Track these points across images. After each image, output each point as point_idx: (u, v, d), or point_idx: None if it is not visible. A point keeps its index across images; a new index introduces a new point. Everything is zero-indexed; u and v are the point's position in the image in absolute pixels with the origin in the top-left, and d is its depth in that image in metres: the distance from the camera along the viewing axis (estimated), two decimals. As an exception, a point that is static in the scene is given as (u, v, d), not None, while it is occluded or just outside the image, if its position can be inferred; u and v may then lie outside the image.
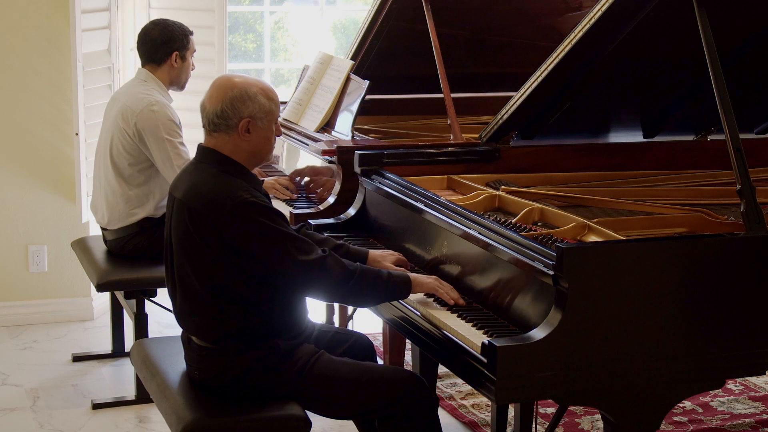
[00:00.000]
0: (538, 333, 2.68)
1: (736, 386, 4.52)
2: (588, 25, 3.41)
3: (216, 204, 2.93)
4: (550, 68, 3.58)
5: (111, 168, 4.36)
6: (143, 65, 4.43)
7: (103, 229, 4.50)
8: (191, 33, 4.46)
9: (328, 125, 4.41)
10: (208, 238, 2.94)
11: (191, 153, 4.43)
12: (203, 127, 3.06)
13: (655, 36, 3.52)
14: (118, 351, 4.84)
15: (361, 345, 3.35)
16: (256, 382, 3.01)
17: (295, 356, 3.04)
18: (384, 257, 3.28)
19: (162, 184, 4.36)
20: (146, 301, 4.33)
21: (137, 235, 4.37)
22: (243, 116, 3.00)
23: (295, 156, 4.55)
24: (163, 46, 4.37)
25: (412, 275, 3.10)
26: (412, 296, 3.13)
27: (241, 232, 2.92)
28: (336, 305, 4.80)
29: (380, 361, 3.91)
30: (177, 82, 4.45)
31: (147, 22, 4.65)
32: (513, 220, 3.30)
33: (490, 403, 4.15)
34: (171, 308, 4.42)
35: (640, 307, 2.76)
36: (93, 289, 4.87)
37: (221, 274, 2.97)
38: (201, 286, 2.99)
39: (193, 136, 5.39)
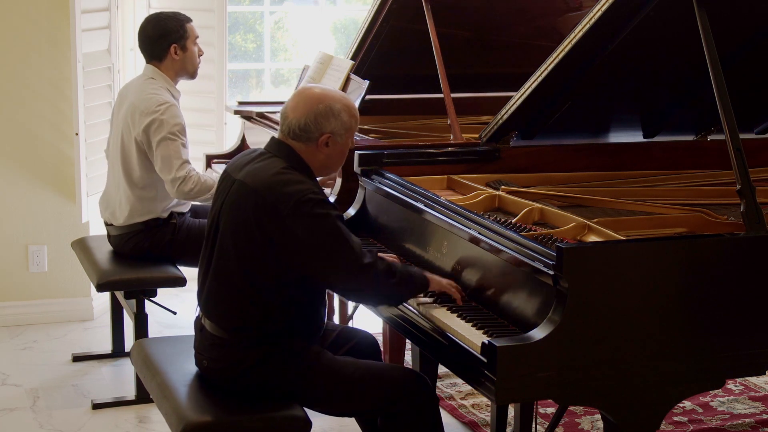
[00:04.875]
0: (538, 333, 2.68)
1: (736, 386, 4.52)
2: (588, 25, 3.41)
3: (284, 194, 2.93)
4: (550, 68, 3.58)
5: (121, 170, 4.35)
6: (147, 62, 4.41)
7: (107, 224, 4.49)
8: (189, 20, 4.39)
9: (328, 125, 4.41)
10: (268, 227, 2.93)
11: (195, 162, 4.45)
12: (281, 132, 3.08)
13: (655, 36, 3.52)
14: (118, 351, 4.84)
15: (366, 343, 3.36)
16: (261, 378, 3.02)
17: (301, 355, 3.04)
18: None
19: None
20: (146, 301, 4.32)
21: (141, 233, 4.37)
22: (324, 132, 3.03)
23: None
24: (160, 42, 4.33)
25: (428, 274, 3.12)
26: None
27: (304, 225, 2.91)
28: (336, 304, 4.81)
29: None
30: (184, 72, 4.41)
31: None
32: (513, 220, 3.30)
33: (490, 403, 4.15)
34: (171, 309, 4.48)
35: (640, 307, 2.76)
36: (93, 289, 4.87)
37: (264, 266, 2.97)
38: (240, 272, 2.99)
39: (195, 136, 5.40)
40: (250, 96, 7.10)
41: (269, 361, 3.02)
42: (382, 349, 4.36)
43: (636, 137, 4.18)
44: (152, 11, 5.51)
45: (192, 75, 4.46)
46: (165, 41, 4.33)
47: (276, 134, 3.12)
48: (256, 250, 2.97)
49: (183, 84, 5.48)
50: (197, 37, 4.42)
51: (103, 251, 4.50)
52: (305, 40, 7.36)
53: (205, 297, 3.11)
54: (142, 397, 4.25)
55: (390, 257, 3.32)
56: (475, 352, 2.74)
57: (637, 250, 2.79)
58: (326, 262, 2.95)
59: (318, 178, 3.11)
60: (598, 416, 4.02)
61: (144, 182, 4.33)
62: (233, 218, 3.02)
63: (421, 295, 3.13)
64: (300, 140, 3.04)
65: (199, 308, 3.16)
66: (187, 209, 4.51)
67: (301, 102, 3.04)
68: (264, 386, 3.03)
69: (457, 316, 2.97)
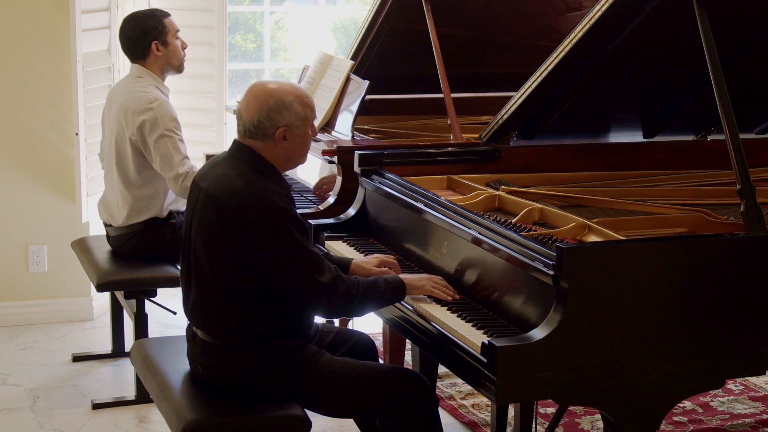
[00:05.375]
0: (538, 333, 2.68)
1: (736, 386, 4.52)
2: (588, 25, 3.41)
3: (247, 203, 2.93)
4: (550, 68, 3.58)
5: (117, 171, 4.34)
6: (132, 63, 4.41)
7: (106, 225, 4.49)
8: (166, 15, 4.38)
9: (328, 125, 4.41)
10: (232, 236, 2.94)
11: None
12: (238, 132, 3.07)
13: (655, 36, 3.52)
14: (118, 351, 4.84)
15: (363, 345, 3.35)
16: (258, 381, 3.02)
17: (298, 356, 3.04)
18: (368, 262, 3.29)
19: (164, 184, 4.34)
20: (146, 301, 4.32)
21: (140, 233, 4.36)
22: (279, 125, 3.02)
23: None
24: (140, 40, 4.32)
25: (406, 278, 3.11)
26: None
27: (267, 236, 2.92)
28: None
29: (380, 362, 3.90)
30: (169, 67, 4.39)
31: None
32: (513, 220, 3.30)
33: (490, 403, 4.15)
34: (171, 309, 4.47)
35: (640, 307, 2.76)
36: (93, 289, 4.87)
37: (237, 272, 2.97)
38: (216, 280, 3.00)
39: (195, 136, 5.39)
40: (250, 96, 7.08)
41: (265, 364, 3.01)
42: (381, 349, 4.37)
43: (636, 137, 4.18)
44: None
45: (178, 69, 4.44)
46: (145, 39, 4.32)
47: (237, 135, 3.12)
48: (226, 257, 2.97)
49: (183, 84, 5.48)
50: (178, 30, 4.40)
51: (103, 251, 4.50)
52: (305, 40, 7.36)
53: (190, 307, 3.11)
54: (142, 397, 4.25)
55: (388, 257, 3.33)
56: (475, 352, 2.74)
57: (637, 250, 2.79)
58: (282, 276, 2.95)
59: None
60: (598, 416, 4.02)
61: (141, 182, 4.32)
62: (201, 227, 3.02)
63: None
64: (257, 138, 3.03)
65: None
66: (185, 207, 4.50)
67: (252, 100, 3.03)
68: (261, 389, 3.02)
69: (457, 316, 2.97)
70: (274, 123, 3.01)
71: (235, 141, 3.11)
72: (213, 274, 3.00)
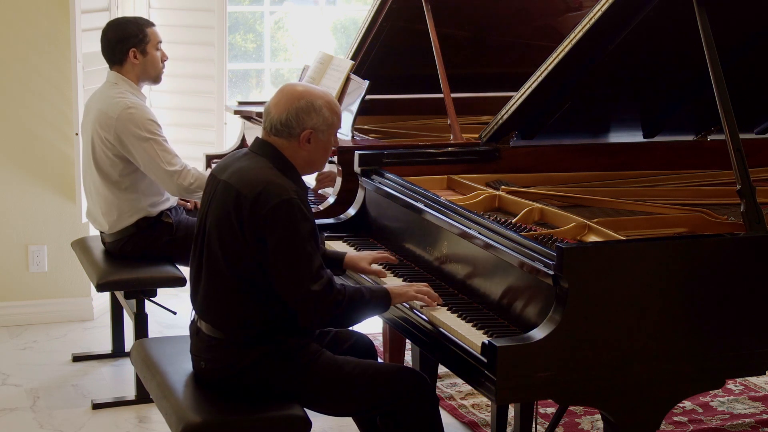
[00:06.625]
0: (538, 333, 2.68)
1: (736, 386, 4.52)
2: (588, 25, 3.41)
3: (264, 194, 2.94)
4: (550, 68, 3.59)
5: (99, 177, 4.32)
6: (110, 68, 4.39)
7: (101, 231, 4.49)
8: (150, 25, 4.36)
9: (328, 125, 4.41)
10: (246, 225, 2.94)
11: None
12: (264, 129, 3.09)
13: (655, 36, 3.52)
14: (118, 351, 4.84)
15: (361, 345, 3.36)
16: (260, 377, 3.02)
17: (300, 354, 3.05)
18: (362, 258, 3.32)
19: (151, 184, 4.33)
20: (146, 301, 4.32)
21: (135, 236, 4.35)
22: (306, 127, 3.04)
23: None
24: (119, 45, 4.31)
25: (390, 288, 3.11)
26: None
27: (275, 229, 2.92)
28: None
29: (380, 361, 3.90)
30: (146, 77, 4.36)
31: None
32: (513, 220, 3.30)
33: (490, 403, 4.15)
34: (171, 309, 4.47)
35: (640, 307, 2.76)
36: (93, 289, 4.87)
37: (248, 263, 2.97)
38: (228, 271, 3.00)
39: (195, 136, 5.39)
40: (250, 96, 7.10)
41: (268, 359, 3.02)
42: (382, 348, 4.37)
43: (636, 137, 4.18)
44: (152, 11, 5.52)
45: (155, 80, 4.41)
46: (124, 45, 4.30)
47: (260, 133, 3.13)
48: (239, 247, 2.98)
49: (183, 84, 5.48)
50: (160, 42, 4.37)
51: (103, 251, 4.49)
52: (305, 40, 7.36)
53: (199, 299, 3.11)
54: (142, 397, 4.25)
55: (380, 254, 3.35)
56: (475, 352, 2.74)
57: (637, 250, 2.79)
58: (276, 272, 2.94)
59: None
60: (598, 416, 4.02)
61: (126, 184, 4.30)
62: (217, 218, 3.03)
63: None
64: (282, 136, 3.05)
65: (193, 312, 3.16)
66: (175, 203, 4.50)
67: (283, 98, 3.06)
68: (263, 385, 3.03)
69: (458, 316, 2.97)
70: (301, 123, 3.03)
71: (257, 138, 3.12)
72: (227, 266, 3.00)
